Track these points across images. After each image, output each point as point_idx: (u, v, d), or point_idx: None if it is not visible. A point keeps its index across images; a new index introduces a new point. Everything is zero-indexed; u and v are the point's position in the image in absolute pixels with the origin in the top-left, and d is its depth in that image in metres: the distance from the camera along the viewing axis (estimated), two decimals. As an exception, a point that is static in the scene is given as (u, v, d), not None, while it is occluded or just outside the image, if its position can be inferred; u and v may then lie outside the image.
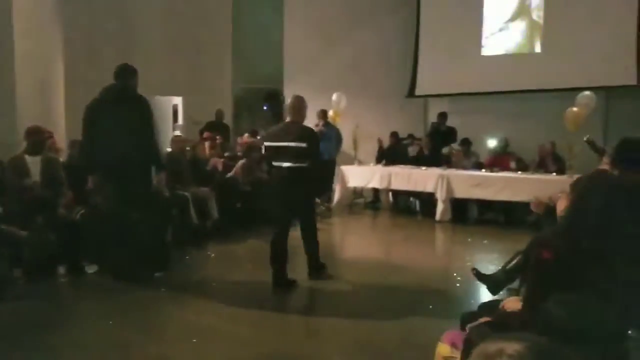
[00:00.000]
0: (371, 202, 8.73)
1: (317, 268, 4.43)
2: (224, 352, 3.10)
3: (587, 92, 6.65)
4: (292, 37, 10.95)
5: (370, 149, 8.93)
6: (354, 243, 6.58)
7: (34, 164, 4.51)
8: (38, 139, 4.56)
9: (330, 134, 7.74)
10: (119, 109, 4.09)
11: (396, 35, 10.16)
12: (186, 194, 5.58)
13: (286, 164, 4.07)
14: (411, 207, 8.34)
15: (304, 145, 4.00)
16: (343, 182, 8.23)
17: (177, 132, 9.18)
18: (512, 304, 2.26)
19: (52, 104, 6.92)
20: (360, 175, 8.19)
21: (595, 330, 1.48)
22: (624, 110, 7.67)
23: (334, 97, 8.75)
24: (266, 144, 4.27)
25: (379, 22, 10.27)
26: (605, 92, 7.64)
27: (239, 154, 7.53)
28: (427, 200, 8.11)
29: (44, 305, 3.83)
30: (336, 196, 8.22)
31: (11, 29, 5.86)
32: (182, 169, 5.84)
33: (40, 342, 3.14)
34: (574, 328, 1.38)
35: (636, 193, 1.86)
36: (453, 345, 1.85)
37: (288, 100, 4.41)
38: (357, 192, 8.79)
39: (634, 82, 7.39)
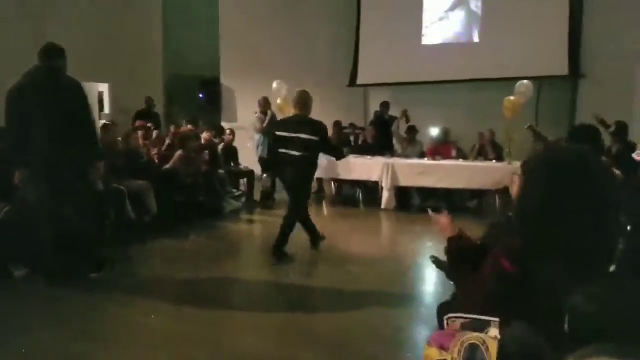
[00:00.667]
0: (315, 192, 8.58)
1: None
2: (183, 355, 2.86)
3: (525, 81, 6.88)
4: (229, 23, 10.54)
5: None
6: (301, 235, 6.39)
7: None
8: None
9: None
10: (48, 94, 3.65)
11: (337, 23, 10.06)
12: (122, 187, 5.13)
13: (295, 153, 4.40)
14: (356, 197, 8.30)
15: (316, 139, 4.40)
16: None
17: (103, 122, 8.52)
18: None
19: None
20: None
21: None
22: (554, 99, 8.05)
23: (275, 85, 8.47)
24: (277, 133, 4.59)
25: (320, 9, 10.11)
26: (538, 82, 7.96)
27: (168, 142, 7.02)
28: (371, 189, 8.14)
29: None
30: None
31: None
32: (116, 161, 5.36)
33: None
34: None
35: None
36: (441, 347, 1.71)
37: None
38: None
39: (565, 72, 7.77)
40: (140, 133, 6.70)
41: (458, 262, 1.99)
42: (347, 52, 9.95)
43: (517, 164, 6.17)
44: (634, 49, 7.47)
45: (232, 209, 7.04)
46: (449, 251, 2.07)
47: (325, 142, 4.58)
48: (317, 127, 4.50)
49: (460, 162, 7.06)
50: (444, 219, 2.18)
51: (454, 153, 7.37)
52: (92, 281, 3.96)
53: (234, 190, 7.57)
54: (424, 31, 9.16)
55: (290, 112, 8.61)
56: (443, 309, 2.19)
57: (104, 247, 4.38)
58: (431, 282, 4.29)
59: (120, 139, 6.07)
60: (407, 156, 7.58)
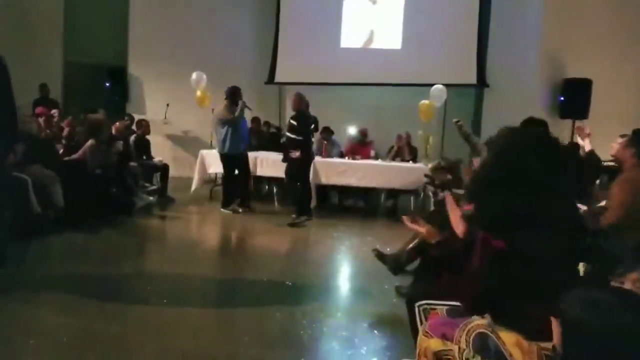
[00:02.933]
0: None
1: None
2: (104, 354, 2.64)
3: (439, 86, 7.28)
4: (140, 11, 9.88)
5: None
6: (218, 233, 6.16)
7: None
8: None
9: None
10: None
11: (255, 18, 9.90)
12: (24, 176, 4.55)
13: None
14: (272, 194, 8.18)
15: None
16: (203, 167, 7.67)
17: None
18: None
19: None
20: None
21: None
22: (461, 105, 8.62)
23: (194, 75, 8.13)
24: None
25: (237, 3, 9.86)
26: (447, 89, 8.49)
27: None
28: (285, 187, 8.08)
29: None
30: (194, 183, 7.64)
31: None
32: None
33: None
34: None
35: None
36: (444, 337, 1.70)
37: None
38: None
39: (474, 81, 8.38)
40: (41, 120, 6.03)
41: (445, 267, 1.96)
42: (267, 49, 9.82)
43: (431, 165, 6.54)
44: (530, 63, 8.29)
45: (144, 204, 6.59)
46: (436, 257, 2.06)
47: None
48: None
49: (380, 162, 7.27)
50: (426, 227, 2.21)
51: (372, 153, 7.58)
52: None
53: (147, 185, 7.11)
54: (342, 33, 9.33)
55: (208, 104, 8.38)
56: (411, 299, 2.20)
57: (6, 241, 3.85)
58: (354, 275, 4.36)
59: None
60: (327, 155, 7.62)
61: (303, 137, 6.02)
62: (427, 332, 1.75)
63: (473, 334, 1.66)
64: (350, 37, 9.37)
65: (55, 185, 4.98)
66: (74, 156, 5.72)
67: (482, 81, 8.50)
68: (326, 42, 9.37)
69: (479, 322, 1.71)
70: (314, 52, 9.29)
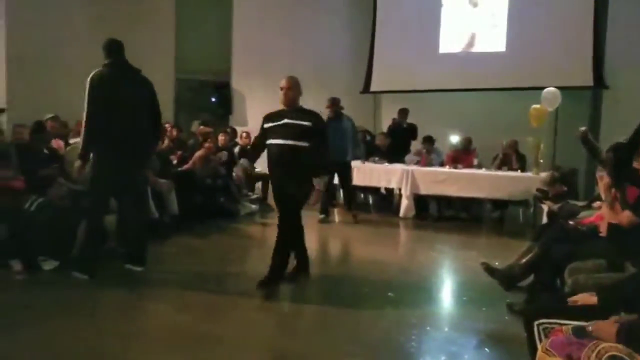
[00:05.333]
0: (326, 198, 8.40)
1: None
2: (211, 351, 2.75)
3: (552, 89, 6.79)
4: (242, 29, 10.42)
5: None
6: (316, 241, 6.21)
7: None
8: None
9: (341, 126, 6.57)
10: (129, 86, 3.79)
11: (351, 27, 9.98)
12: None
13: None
14: (369, 204, 8.13)
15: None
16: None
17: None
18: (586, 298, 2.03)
19: None
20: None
21: None
22: (574, 110, 7.97)
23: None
24: None
25: (335, 14, 10.03)
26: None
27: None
28: (383, 196, 8.00)
29: None
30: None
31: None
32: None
33: None
34: None
35: None
36: (569, 357, 1.54)
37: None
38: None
39: (590, 83, 7.72)
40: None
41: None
42: (362, 59, 9.85)
43: (544, 175, 6.08)
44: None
45: (248, 211, 6.87)
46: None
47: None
48: None
49: (483, 171, 6.93)
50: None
51: (475, 162, 7.25)
52: (119, 275, 3.93)
53: (250, 193, 7.42)
54: (441, 40, 9.09)
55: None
56: (531, 316, 2.03)
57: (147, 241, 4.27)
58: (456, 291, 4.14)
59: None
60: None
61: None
62: (548, 349, 1.60)
63: (605, 357, 1.50)
64: (450, 42, 9.09)
65: (170, 193, 5.37)
66: (186, 166, 6.12)
67: (600, 83, 7.78)
68: (424, 49, 9.18)
69: (611, 345, 1.54)
70: (411, 60, 9.13)
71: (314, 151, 3.65)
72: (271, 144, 3.73)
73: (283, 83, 3.74)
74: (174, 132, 7.15)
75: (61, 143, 5.26)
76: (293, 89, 3.74)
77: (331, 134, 6.27)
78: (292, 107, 3.73)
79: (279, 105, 3.81)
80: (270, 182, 4.18)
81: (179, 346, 2.82)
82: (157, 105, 4.01)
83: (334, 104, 6.52)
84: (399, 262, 5.11)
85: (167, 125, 7.53)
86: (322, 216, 6.61)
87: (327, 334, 3.09)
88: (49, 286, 3.69)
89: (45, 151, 4.75)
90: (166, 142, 6.57)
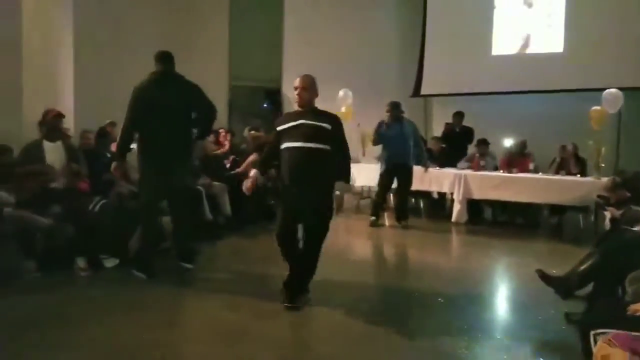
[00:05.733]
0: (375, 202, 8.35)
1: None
2: (260, 351, 2.80)
3: (613, 90, 6.47)
4: (293, 35, 10.59)
5: (372, 147, 8.56)
6: (366, 245, 6.20)
7: (51, 150, 4.30)
8: (57, 124, 4.39)
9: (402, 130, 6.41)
10: (175, 93, 3.92)
11: (401, 30, 9.92)
12: (199, 187, 5.15)
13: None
14: (418, 208, 8.01)
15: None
16: (350, 181, 7.84)
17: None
18: None
19: (60, 93, 6.43)
20: (367, 174, 7.82)
21: None
22: (637, 110, 7.54)
23: (341, 93, 8.40)
24: None
25: (384, 17, 10.01)
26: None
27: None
28: (435, 201, 7.86)
29: (57, 299, 3.51)
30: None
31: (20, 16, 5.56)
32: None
33: (48, 338, 2.85)
34: None
35: None
36: (633, 352, 1.47)
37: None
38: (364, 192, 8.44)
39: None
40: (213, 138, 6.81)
41: None
42: (411, 62, 9.76)
43: (605, 180, 5.77)
44: None
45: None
46: None
47: None
48: None
49: (540, 175, 6.68)
50: None
51: (531, 166, 6.99)
52: (174, 273, 4.11)
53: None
54: (494, 39, 8.86)
55: (351, 119, 8.58)
56: (586, 327, 1.96)
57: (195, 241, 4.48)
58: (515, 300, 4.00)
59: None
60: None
61: None
62: (611, 340, 1.54)
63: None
64: (503, 43, 8.86)
65: (223, 195, 5.55)
66: (238, 170, 6.29)
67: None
68: (476, 51, 8.99)
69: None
70: (462, 62, 8.97)
71: (334, 156, 3.30)
72: (286, 148, 3.30)
73: (297, 82, 3.42)
74: (228, 137, 7.39)
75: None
76: (308, 89, 3.41)
77: (392, 138, 6.37)
78: (308, 108, 3.39)
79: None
80: (282, 196, 3.47)
81: (223, 341, 2.92)
82: (205, 105, 4.09)
83: (394, 107, 6.43)
84: (450, 267, 5.02)
85: (221, 131, 7.80)
86: (372, 218, 6.59)
87: (373, 339, 3.08)
88: (110, 282, 3.91)
89: (108, 155, 5.03)
90: (226, 146, 6.81)
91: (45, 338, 2.84)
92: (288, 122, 3.35)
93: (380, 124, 6.51)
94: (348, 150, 3.45)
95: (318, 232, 3.36)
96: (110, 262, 4.18)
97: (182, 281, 3.99)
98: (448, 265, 5.08)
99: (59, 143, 4.40)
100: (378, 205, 6.66)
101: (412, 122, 6.65)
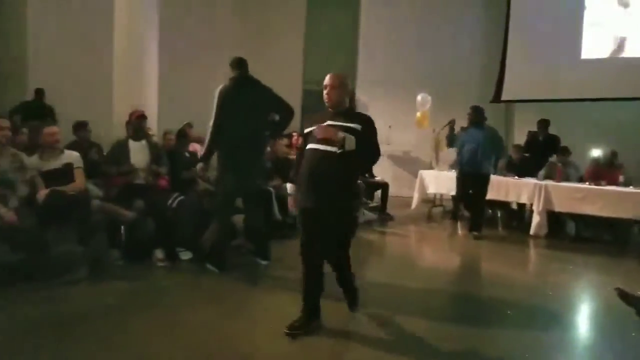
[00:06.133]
0: (451, 210, 8.13)
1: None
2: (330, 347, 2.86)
3: None
4: (368, 39, 10.58)
5: (447, 154, 8.34)
6: (436, 252, 6.03)
7: (136, 149, 4.59)
8: (140, 124, 4.68)
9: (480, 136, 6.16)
10: (249, 95, 4.11)
11: (481, 32, 9.60)
12: (270, 188, 5.29)
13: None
14: (494, 219, 7.67)
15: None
16: (422, 187, 7.70)
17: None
18: None
19: (146, 94, 6.96)
20: (440, 181, 7.63)
21: None
22: None
23: (419, 98, 8.28)
24: None
25: (463, 19, 9.75)
26: None
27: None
28: (512, 212, 7.49)
29: (140, 286, 3.80)
30: (414, 202, 7.72)
31: (111, 16, 6.05)
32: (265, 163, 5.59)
33: (135, 322, 3.09)
34: None
35: None
36: None
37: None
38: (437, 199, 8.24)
39: None
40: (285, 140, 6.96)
41: None
42: (492, 65, 9.41)
43: None
44: None
45: (366, 219, 6.93)
46: None
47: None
48: None
49: (631, 189, 6.15)
50: None
51: (621, 178, 6.47)
52: (244, 268, 4.31)
53: (369, 202, 7.47)
54: (583, 44, 8.32)
55: (427, 125, 8.42)
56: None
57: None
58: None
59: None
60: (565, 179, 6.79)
61: None
62: None
63: None
64: (594, 46, 8.28)
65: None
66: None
67: None
68: (563, 54, 8.48)
69: None
70: (548, 66, 8.51)
71: (360, 158, 2.94)
72: (308, 150, 3.02)
73: (327, 80, 3.06)
74: (300, 141, 7.51)
75: (197, 147, 5.83)
76: (339, 87, 3.03)
77: (467, 142, 6.18)
78: (339, 109, 3.05)
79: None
80: (299, 204, 3.11)
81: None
82: (284, 107, 4.27)
83: (475, 111, 6.24)
84: (524, 280, 4.74)
85: (294, 134, 7.97)
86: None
87: (439, 349, 2.99)
88: (185, 274, 4.15)
89: (187, 154, 5.31)
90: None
91: (132, 322, 3.07)
92: (314, 124, 3.05)
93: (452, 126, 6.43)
94: (379, 152, 3.06)
95: (340, 239, 3.05)
96: (185, 255, 4.42)
97: (251, 276, 4.13)
98: (522, 278, 4.81)
99: (143, 142, 4.69)
100: (454, 213, 6.51)
101: (492, 129, 6.39)
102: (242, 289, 3.85)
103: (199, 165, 4.34)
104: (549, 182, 6.55)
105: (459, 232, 6.64)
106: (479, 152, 6.08)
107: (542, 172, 6.92)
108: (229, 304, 3.48)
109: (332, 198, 2.89)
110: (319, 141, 2.93)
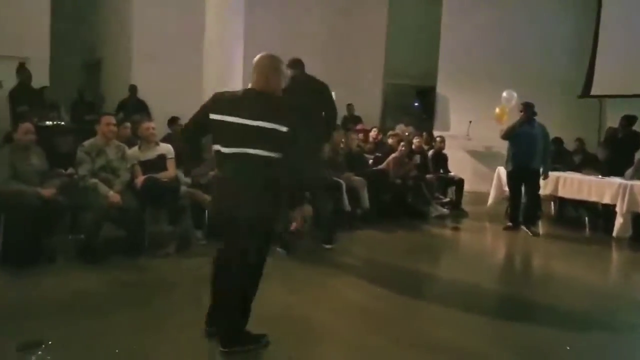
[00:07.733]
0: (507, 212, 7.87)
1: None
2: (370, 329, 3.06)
3: None
4: (451, 33, 10.43)
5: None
6: (507, 251, 5.94)
7: None
8: None
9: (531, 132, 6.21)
10: (307, 93, 4.46)
11: (571, 22, 9.14)
12: (340, 180, 5.60)
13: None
14: (581, 219, 7.32)
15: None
16: (499, 184, 7.56)
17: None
18: None
19: (233, 88, 7.52)
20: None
21: None
22: None
23: (505, 94, 8.15)
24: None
25: (551, 11, 9.33)
26: None
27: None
28: (599, 213, 7.12)
29: None
30: (490, 199, 7.60)
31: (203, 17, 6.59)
32: (337, 156, 5.91)
33: None
34: None
35: None
36: None
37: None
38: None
39: None
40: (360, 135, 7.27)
41: None
42: (582, 59, 8.94)
43: None
44: None
45: (438, 214, 6.98)
46: None
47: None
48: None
49: None
50: None
51: None
52: (310, 254, 4.66)
53: (442, 197, 7.51)
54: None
55: (506, 120, 8.19)
56: None
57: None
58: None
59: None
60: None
61: None
62: None
63: None
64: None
65: (363, 189, 5.93)
66: (380, 167, 6.60)
67: None
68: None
69: None
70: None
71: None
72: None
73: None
74: (379, 137, 7.87)
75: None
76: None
77: (519, 137, 6.13)
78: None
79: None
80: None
81: (345, 316, 3.26)
82: (330, 107, 4.64)
83: (527, 107, 6.27)
84: (598, 283, 4.59)
85: (373, 130, 8.25)
86: (508, 224, 6.42)
87: (506, 345, 2.99)
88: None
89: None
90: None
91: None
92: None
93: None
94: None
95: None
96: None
97: (316, 262, 4.43)
98: (589, 280, 4.62)
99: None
100: (512, 211, 6.47)
101: (542, 126, 6.36)
102: (304, 272, 4.16)
103: None
104: (636, 182, 6.19)
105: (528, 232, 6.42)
106: (529, 147, 6.11)
107: (629, 172, 6.53)
108: (288, 284, 3.79)
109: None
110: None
